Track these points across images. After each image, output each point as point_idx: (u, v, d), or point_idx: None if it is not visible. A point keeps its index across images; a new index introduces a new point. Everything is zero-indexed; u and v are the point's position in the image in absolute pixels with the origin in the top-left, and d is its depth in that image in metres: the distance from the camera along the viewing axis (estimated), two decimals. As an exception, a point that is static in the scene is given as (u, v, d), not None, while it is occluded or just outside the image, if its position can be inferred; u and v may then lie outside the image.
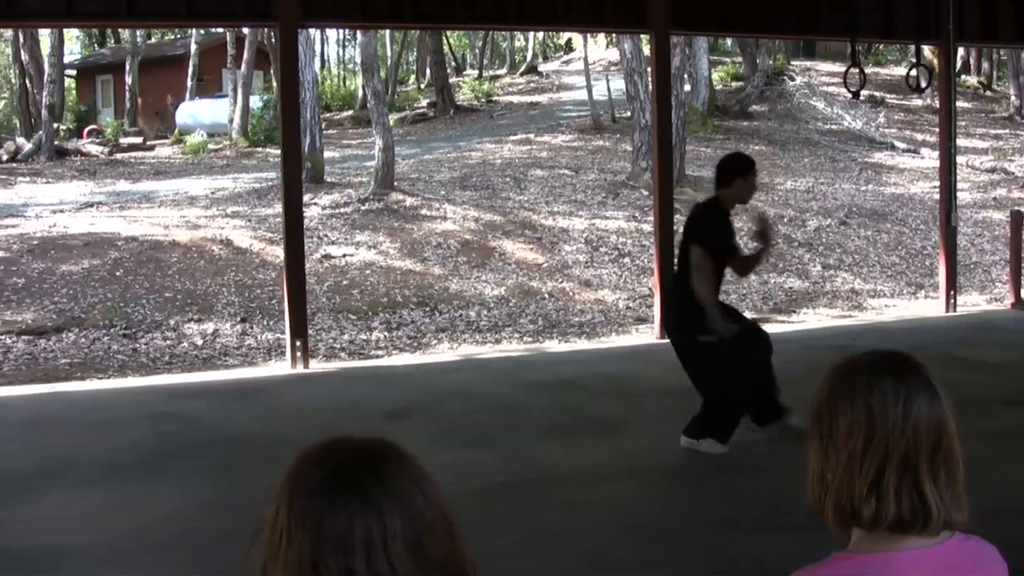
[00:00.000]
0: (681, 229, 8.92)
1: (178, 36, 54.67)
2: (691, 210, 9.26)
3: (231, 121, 38.06)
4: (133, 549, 6.63)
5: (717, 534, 6.73)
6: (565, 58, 61.50)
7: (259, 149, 35.01)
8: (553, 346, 15.89)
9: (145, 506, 7.40)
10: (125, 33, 49.22)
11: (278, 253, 17.46)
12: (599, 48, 53.88)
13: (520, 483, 7.88)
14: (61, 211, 22.94)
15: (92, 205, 23.89)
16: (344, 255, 19.90)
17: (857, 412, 2.10)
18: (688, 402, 10.52)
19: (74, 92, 53.22)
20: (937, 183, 18.63)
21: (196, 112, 41.48)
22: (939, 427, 2.10)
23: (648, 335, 15.48)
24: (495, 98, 47.82)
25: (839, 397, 2.14)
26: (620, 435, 9.26)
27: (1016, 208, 18.18)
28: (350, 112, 46.47)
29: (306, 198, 19.03)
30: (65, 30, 44.04)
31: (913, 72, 17.02)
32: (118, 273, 18.15)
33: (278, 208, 18.04)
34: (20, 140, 37.12)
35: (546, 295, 19.01)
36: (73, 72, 55.31)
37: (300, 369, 12.67)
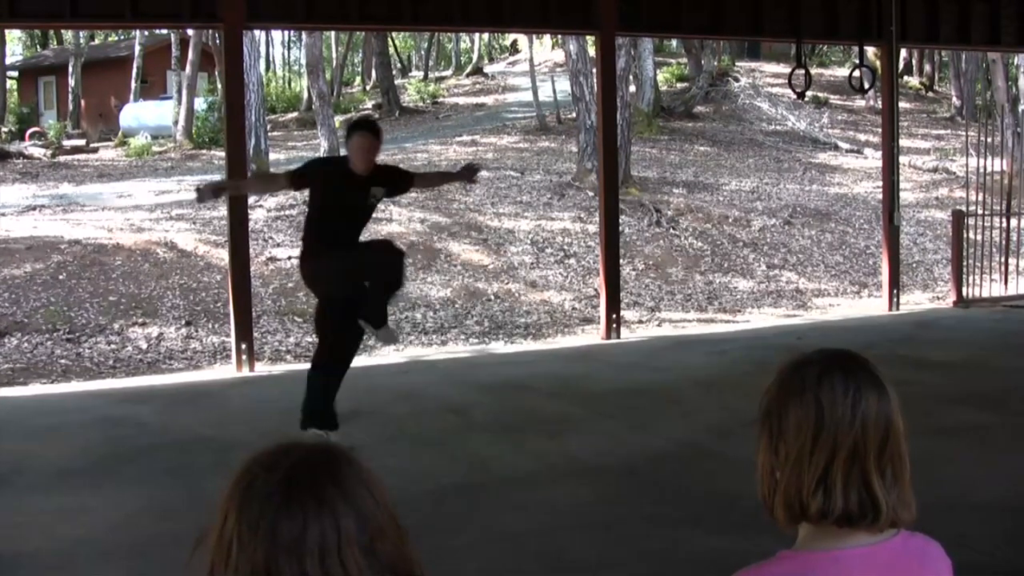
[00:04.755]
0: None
1: (122, 37, 54.32)
2: None
3: (176, 123, 37.87)
4: (84, 556, 6.57)
5: (674, 533, 6.74)
6: (511, 59, 61.51)
7: (204, 151, 34.81)
8: (500, 347, 15.91)
9: (95, 512, 7.33)
10: (68, 34, 48.84)
11: (223, 256, 17.35)
12: (545, 49, 53.95)
13: (471, 485, 7.87)
14: (3, 214, 22.70)
15: (35, 208, 23.66)
16: (290, 257, 19.80)
17: (806, 406, 2.11)
18: (639, 402, 10.58)
19: (16, 94, 52.68)
20: (880, 183, 18.79)
21: (140, 114, 41.18)
22: (887, 424, 2.11)
23: (595, 336, 15.51)
24: (441, 99, 47.80)
25: (789, 393, 2.15)
26: (571, 436, 9.26)
27: (958, 207, 18.35)
28: (295, 114, 46.34)
29: (251, 200, 18.94)
30: (6, 31, 43.60)
31: (856, 73, 17.15)
32: (61, 277, 17.99)
33: (223, 211, 17.93)
34: (-40, 143, 36.77)
35: (492, 296, 19.02)
36: (15, 73, 54.80)
37: (246, 372, 12.60)
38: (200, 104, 37.08)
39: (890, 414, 2.13)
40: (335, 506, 1.70)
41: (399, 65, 60.80)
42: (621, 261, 16.67)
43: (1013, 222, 18.53)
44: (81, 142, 38.89)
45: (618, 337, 14.62)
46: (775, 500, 2.15)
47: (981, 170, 17.55)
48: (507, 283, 19.71)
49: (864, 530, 2.10)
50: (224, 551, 1.70)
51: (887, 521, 2.10)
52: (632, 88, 32.66)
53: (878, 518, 2.09)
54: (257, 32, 27.61)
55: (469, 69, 57.38)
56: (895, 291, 16.66)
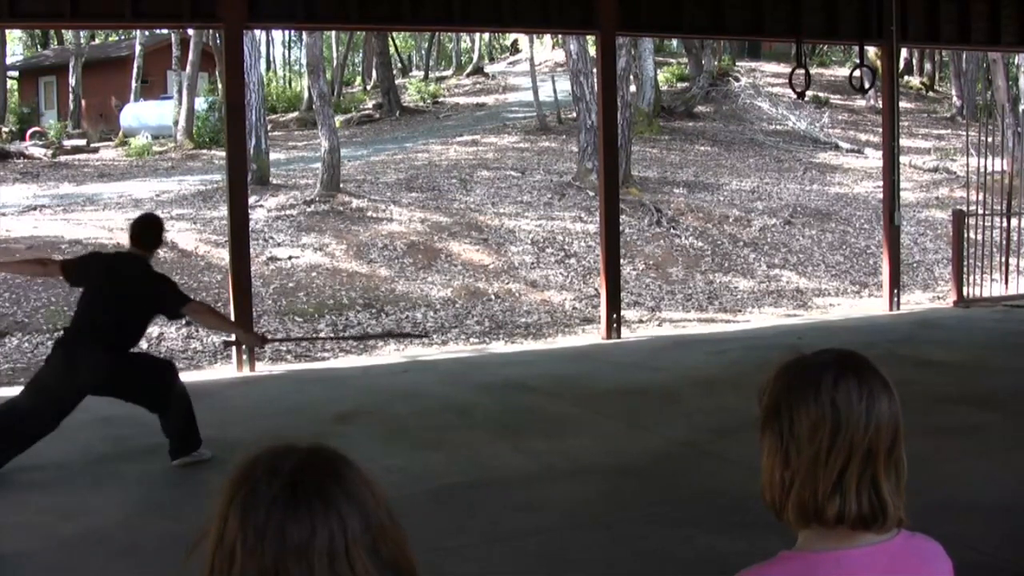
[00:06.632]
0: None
1: (122, 37, 54.31)
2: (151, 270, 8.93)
3: (176, 123, 37.83)
4: (84, 555, 6.58)
5: (674, 533, 6.74)
6: (511, 59, 61.46)
7: (204, 151, 34.79)
8: (500, 347, 15.90)
9: (96, 511, 7.34)
10: (68, 34, 48.83)
11: (223, 256, 17.36)
12: (545, 49, 53.94)
13: (472, 484, 7.87)
14: (3, 214, 22.70)
15: (35, 208, 23.65)
16: (290, 257, 19.82)
17: (823, 409, 2.09)
18: (639, 402, 10.56)
19: (16, 94, 52.66)
20: (880, 183, 18.80)
21: (141, 114, 41.16)
22: (896, 426, 2.11)
23: (595, 335, 15.52)
24: (441, 99, 47.77)
25: (801, 396, 2.12)
26: (571, 435, 9.26)
27: (958, 207, 18.36)
28: (296, 114, 46.27)
29: (252, 200, 18.95)
30: (6, 31, 43.59)
31: (857, 73, 17.16)
32: (62, 276, 17.96)
33: (224, 210, 17.94)
34: (-39, 143, 36.70)
35: (493, 296, 19.01)
36: (15, 73, 54.78)
37: (246, 372, 12.62)
38: (200, 104, 37.03)
39: (898, 415, 2.12)
40: (340, 507, 1.69)
41: (399, 65, 60.75)
42: (621, 261, 16.68)
43: (1013, 222, 18.54)
44: (82, 142, 38.83)
45: (618, 337, 14.63)
46: (787, 503, 2.13)
47: (981, 170, 17.55)
48: (508, 283, 19.70)
49: (872, 531, 2.10)
50: (226, 557, 1.68)
51: (894, 522, 2.10)
52: (632, 88, 32.64)
53: (886, 520, 2.08)
54: (257, 32, 27.59)
55: (470, 69, 57.31)
56: (895, 291, 16.67)
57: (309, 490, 1.69)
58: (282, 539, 1.65)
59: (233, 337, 9.91)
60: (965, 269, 16.99)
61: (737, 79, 44.22)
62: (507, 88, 49.72)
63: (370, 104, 46.61)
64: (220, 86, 22.52)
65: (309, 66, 28.78)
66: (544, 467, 8.31)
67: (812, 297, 20.39)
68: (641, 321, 17.91)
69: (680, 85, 44.97)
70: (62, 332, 8.71)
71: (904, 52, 42.64)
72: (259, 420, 9.95)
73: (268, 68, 61.88)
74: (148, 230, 8.96)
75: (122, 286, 8.54)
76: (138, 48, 44.46)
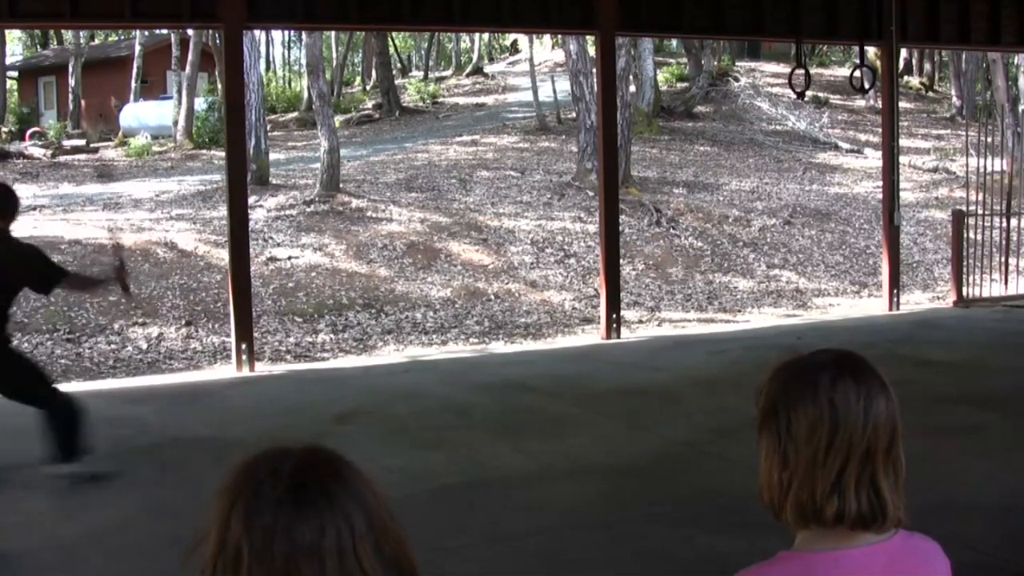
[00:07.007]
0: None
1: (122, 37, 54.29)
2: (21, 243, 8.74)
3: (176, 123, 37.83)
4: (85, 554, 6.57)
5: (674, 533, 6.73)
6: (511, 59, 61.45)
7: (204, 151, 34.78)
8: (500, 347, 15.90)
9: (96, 511, 7.33)
10: (68, 34, 48.83)
11: (223, 256, 17.35)
12: (545, 49, 53.91)
13: (471, 484, 7.86)
14: (3, 214, 22.67)
15: (35, 208, 23.63)
16: (290, 257, 19.81)
17: (820, 409, 2.09)
18: (639, 402, 10.55)
19: (16, 94, 52.65)
20: (880, 183, 18.79)
21: (140, 114, 41.15)
22: (894, 426, 2.11)
23: (595, 335, 15.51)
24: (441, 99, 47.76)
25: (799, 396, 2.12)
26: (571, 435, 9.26)
27: (958, 207, 18.35)
28: (295, 114, 46.26)
29: (251, 200, 18.95)
30: (6, 31, 43.58)
31: (857, 73, 17.15)
32: (62, 276, 17.94)
33: (223, 211, 17.94)
34: (-40, 143, 36.68)
35: (492, 296, 19.01)
36: (15, 73, 54.78)
37: (246, 372, 12.61)
38: (200, 104, 37.03)
39: (896, 416, 2.12)
40: (345, 505, 1.68)
41: (399, 65, 60.75)
42: (621, 261, 16.67)
43: (1013, 222, 18.53)
44: (81, 142, 38.80)
45: (618, 337, 14.62)
46: (785, 503, 2.13)
47: (981, 170, 17.55)
48: (507, 283, 19.70)
49: (871, 531, 2.10)
50: (231, 560, 1.67)
51: (892, 522, 2.10)
52: (632, 88, 32.62)
53: (885, 520, 2.08)
54: (257, 32, 27.58)
55: (469, 69, 57.31)
56: (895, 291, 16.66)
57: (313, 490, 1.68)
58: (291, 540, 1.64)
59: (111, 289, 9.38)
60: (965, 269, 16.98)
61: (737, 79, 44.23)
62: (507, 88, 49.72)
63: (370, 104, 46.60)
64: (220, 86, 22.51)
65: (309, 66, 28.78)
66: (544, 467, 8.31)
67: (812, 297, 20.40)
68: (641, 321, 17.92)
69: (680, 85, 44.98)
70: None
71: (904, 52, 42.63)
72: (259, 420, 9.95)
73: (268, 68, 61.88)
74: (7, 199, 8.51)
75: None
76: (138, 48, 44.43)
